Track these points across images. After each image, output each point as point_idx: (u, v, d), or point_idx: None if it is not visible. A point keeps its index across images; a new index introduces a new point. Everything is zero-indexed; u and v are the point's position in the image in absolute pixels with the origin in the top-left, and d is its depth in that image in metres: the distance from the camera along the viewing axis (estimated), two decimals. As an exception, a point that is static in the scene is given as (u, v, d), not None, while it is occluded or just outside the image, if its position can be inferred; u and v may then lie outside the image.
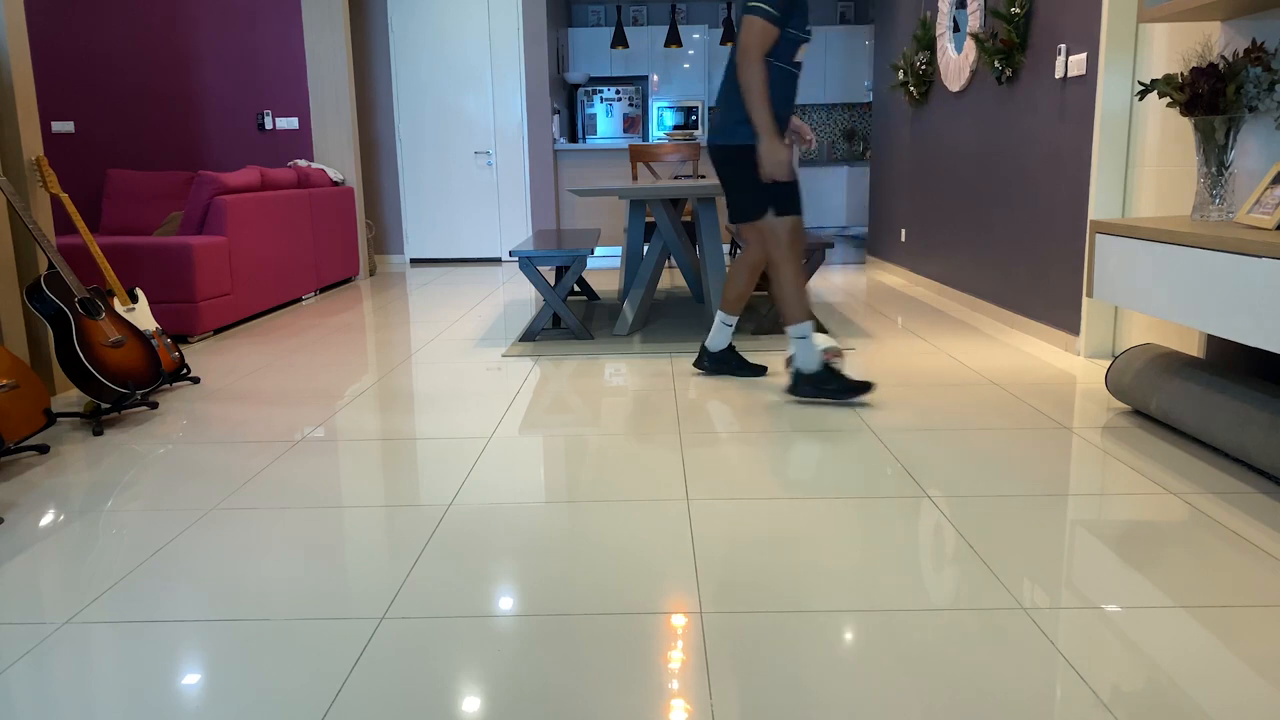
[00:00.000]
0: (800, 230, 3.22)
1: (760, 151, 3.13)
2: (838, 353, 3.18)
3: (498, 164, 7.70)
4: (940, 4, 5.40)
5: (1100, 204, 3.67)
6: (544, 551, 2.01)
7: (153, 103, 6.70)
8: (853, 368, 3.70)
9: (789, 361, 3.23)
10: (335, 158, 6.76)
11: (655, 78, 10.01)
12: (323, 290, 6.35)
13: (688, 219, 5.85)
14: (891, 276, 6.49)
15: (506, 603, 1.77)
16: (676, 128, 9.87)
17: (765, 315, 4.43)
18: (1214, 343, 3.07)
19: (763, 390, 3.36)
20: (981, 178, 4.88)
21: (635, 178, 6.05)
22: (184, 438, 2.94)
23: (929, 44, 5.60)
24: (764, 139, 3.11)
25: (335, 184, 6.61)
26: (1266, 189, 2.47)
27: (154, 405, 3.26)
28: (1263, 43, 2.68)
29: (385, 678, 1.52)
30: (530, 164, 7.59)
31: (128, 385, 3.10)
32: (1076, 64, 3.79)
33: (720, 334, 3.56)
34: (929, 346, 4.08)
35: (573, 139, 9.64)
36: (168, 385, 3.64)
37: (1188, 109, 2.70)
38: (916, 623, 1.66)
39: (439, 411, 3.17)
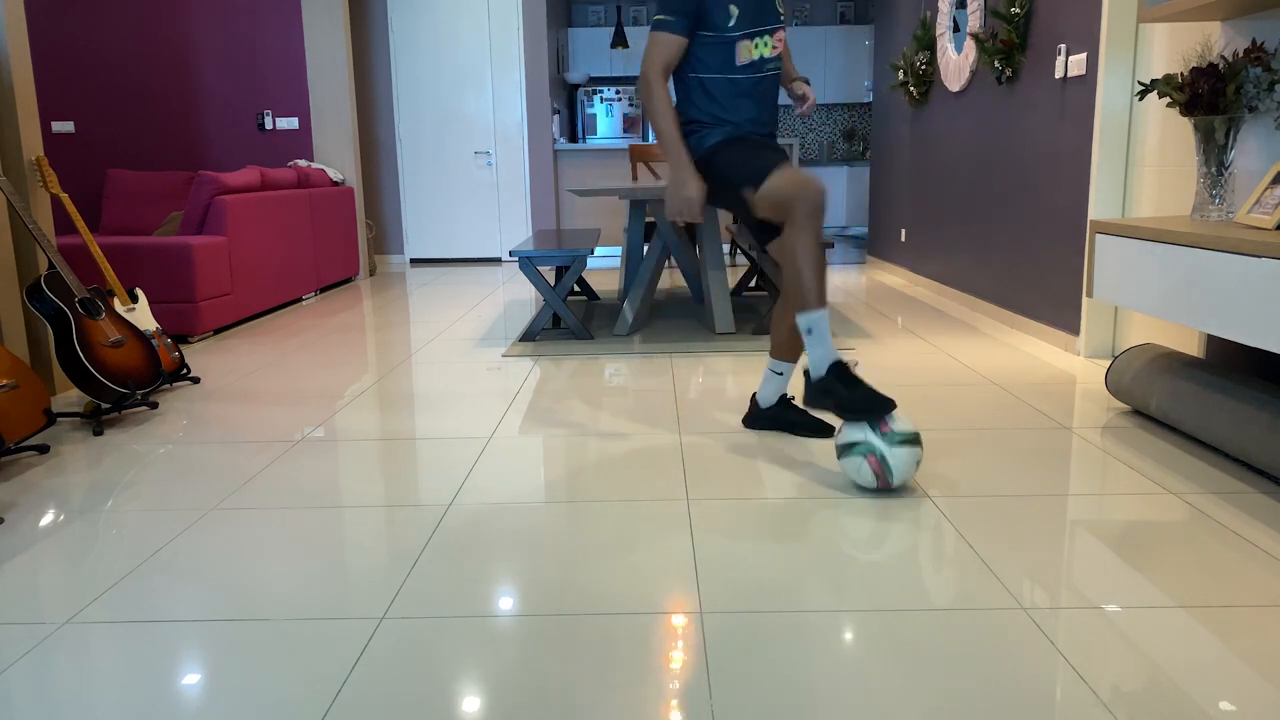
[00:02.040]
0: (803, 184, 2.36)
1: (667, 186, 2.58)
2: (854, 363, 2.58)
3: (497, 164, 7.69)
4: (940, 4, 5.40)
5: (1100, 204, 3.67)
6: (544, 551, 2.00)
7: (153, 103, 6.71)
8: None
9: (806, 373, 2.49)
10: (335, 158, 6.76)
11: (655, 78, 9.98)
12: (323, 290, 6.35)
13: (688, 219, 5.84)
14: (891, 276, 6.49)
15: (506, 603, 1.77)
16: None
17: (765, 315, 4.42)
18: (1214, 343, 3.07)
19: (763, 390, 3.36)
20: (981, 178, 4.88)
21: (635, 178, 6.05)
22: (184, 438, 2.94)
23: (929, 44, 5.60)
24: (671, 171, 2.55)
25: (335, 184, 6.61)
26: (1266, 189, 2.47)
27: (154, 405, 3.26)
28: (1263, 43, 2.68)
29: (385, 678, 1.52)
30: (530, 164, 7.59)
31: (128, 385, 3.09)
32: (1076, 64, 3.79)
33: (770, 385, 2.82)
34: (929, 346, 4.08)
35: (573, 139, 9.63)
36: (168, 385, 3.63)
37: (1188, 109, 2.70)
38: (916, 623, 1.66)
39: (439, 411, 3.17)
